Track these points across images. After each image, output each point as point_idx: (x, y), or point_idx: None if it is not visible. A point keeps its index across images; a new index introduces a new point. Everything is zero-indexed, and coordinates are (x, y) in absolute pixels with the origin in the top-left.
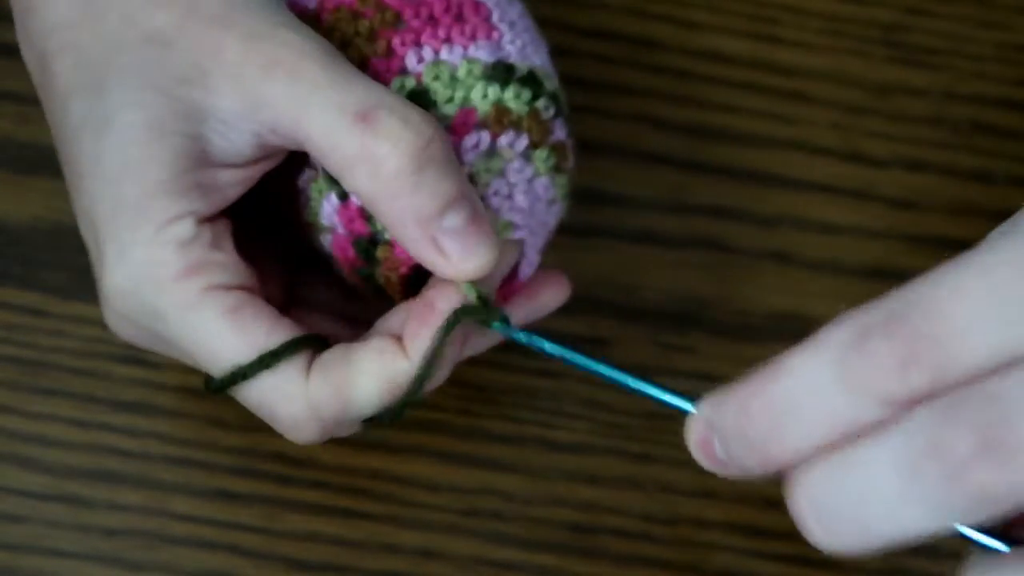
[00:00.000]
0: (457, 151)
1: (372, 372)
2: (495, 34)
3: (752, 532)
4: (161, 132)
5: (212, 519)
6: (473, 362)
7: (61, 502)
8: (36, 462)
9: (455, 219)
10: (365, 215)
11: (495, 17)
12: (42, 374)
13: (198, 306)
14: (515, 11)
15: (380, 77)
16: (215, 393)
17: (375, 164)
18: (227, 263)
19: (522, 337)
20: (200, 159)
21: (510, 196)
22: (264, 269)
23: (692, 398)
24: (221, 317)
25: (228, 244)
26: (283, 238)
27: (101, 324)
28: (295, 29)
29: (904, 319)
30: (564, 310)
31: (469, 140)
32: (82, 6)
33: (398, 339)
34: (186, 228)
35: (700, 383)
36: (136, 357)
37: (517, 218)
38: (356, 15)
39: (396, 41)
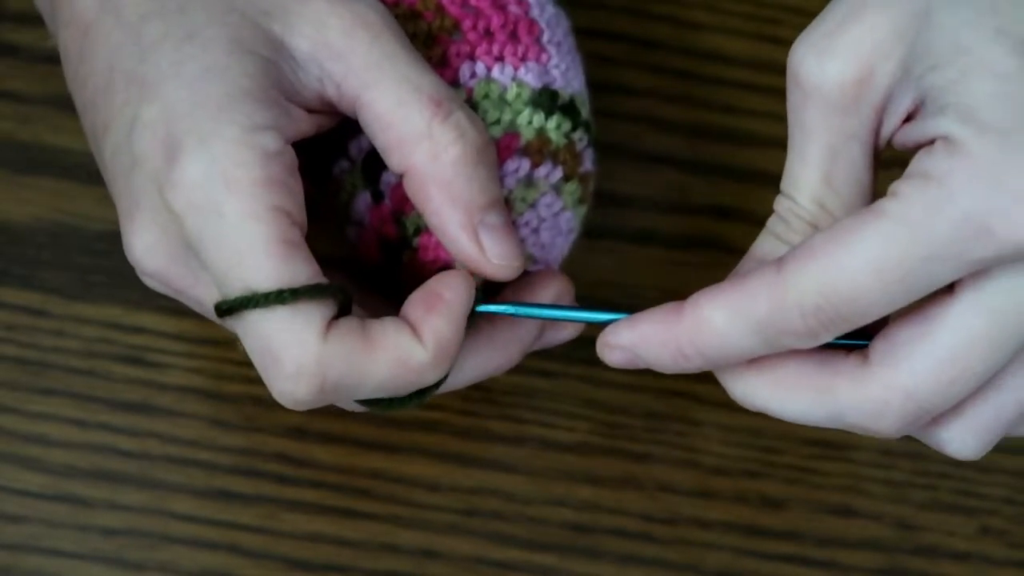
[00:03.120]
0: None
1: (389, 349)
2: (544, 56)
3: (752, 532)
4: (245, 48)
5: (212, 519)
6: None
7: (61, 502)
8: (36, 462)
9: (496, 218)
10: (396, 218)
11: (545, 38)
12: (42, 374)
13: (261, 220)
14: (562, 30)
15: None
16: (225, 315)
17: (439, 147)
18: (298, 195)
19: (507, 309)
20: (278, 83)
21: (537, 231)
22: None
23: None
24: (276, 241)
25: (298, 182)
26: None
27: (101, 324)
28: (379, 7)
29: (819, 308)
30: None
31: (511, 165)
32: None
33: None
34: (273, 140)
35: (700, 382)
36: (136, 357)
37: (538, 253)
38: (416, 15)
39: (452, 51)
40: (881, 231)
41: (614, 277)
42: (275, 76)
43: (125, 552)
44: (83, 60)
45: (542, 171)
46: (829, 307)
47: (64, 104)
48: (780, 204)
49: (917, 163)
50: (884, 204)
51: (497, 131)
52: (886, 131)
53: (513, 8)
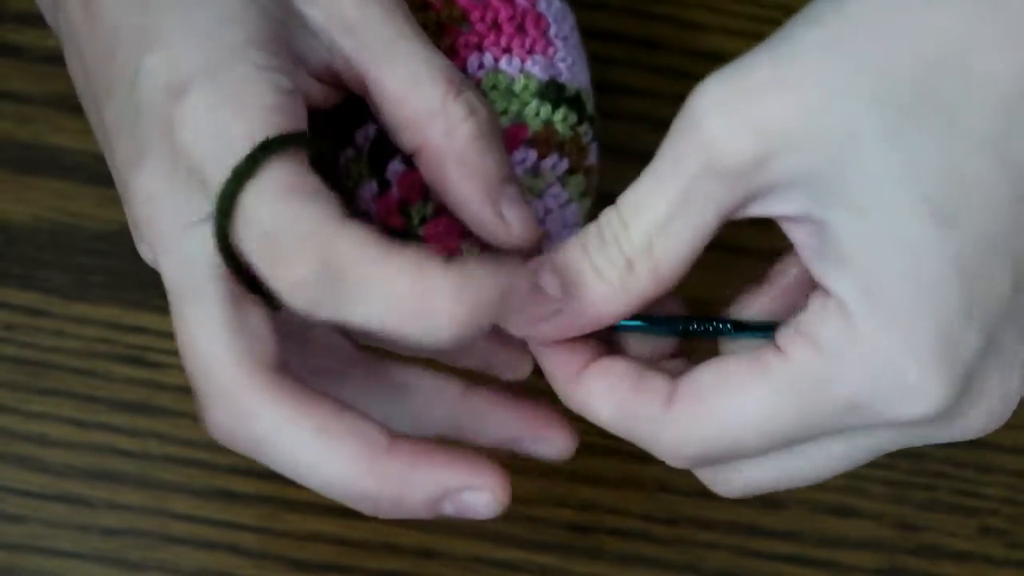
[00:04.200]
0: None
1: (409, 263)
2: (551, 50)
3: (752, 532)
4: (259, 5)
5: (212, 519)
6: None
7: (61, 502)
8: (36, 462)
9: (514, 191)
10: (402, 208)
11: (552, 31)
12: (42, 374)
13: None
14: (568, 24)
15: None
16: (224, 205)
17: (453, 124)
18: (307, 147)
19: None
20: (288, 44)
21: (543, 221)
22: None
23: None
24: (288, 174)
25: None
26: None
27: (101, 324)
28: None
29: (695, 456)
30: None
31: (517, 155)
32: None
33: None
34: (285, 80)
35: None
36: (136, 357)
37: (545, 245)
38: (425, 5)
39: (460, 41)
40: (766, 395)
41: None
42: (286, 37)
43: (125, 552)
44: (86, 31)
45: (548, 162)
46: (705, 454)
47: (64, 104)
48: (608, 222)
49: (809, 323)
50: (772, 363)
51: (504, 121)
52: (754, 210)
53: (521, 1)
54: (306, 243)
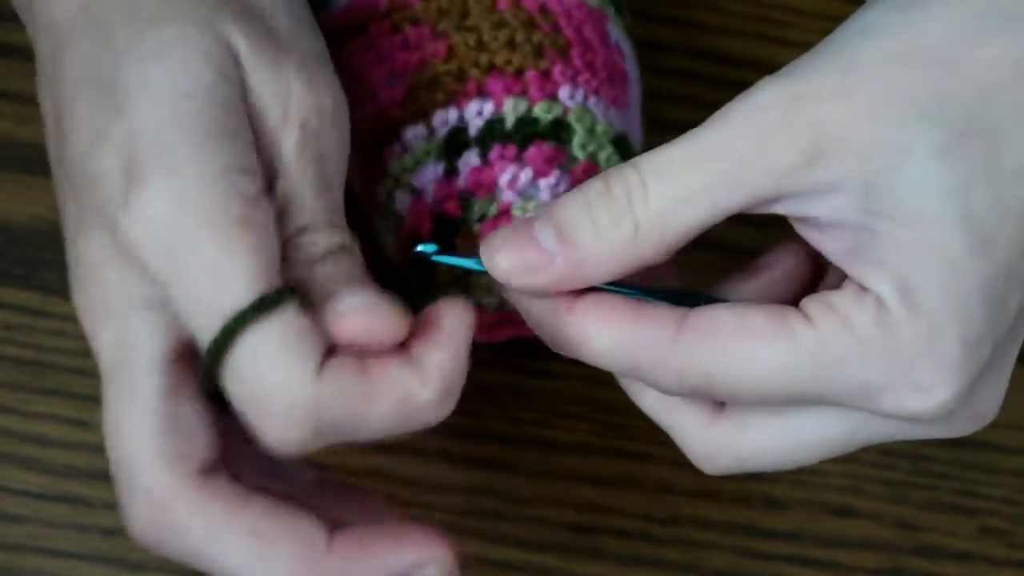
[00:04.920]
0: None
1: (390, 390)
2: (627, 108)
3: (752, 532)
4: (220, 74)
5: None
6: (474, 362)
7: (61, 502)
8: (36, 462)
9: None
10: (462, 198)
11: (630, 93)
12: (42, 374)
13: (239, 254)
14: (638, 91)
15: (528, 90)
16: (216, 356)
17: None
18: (277, 251)
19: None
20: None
21: None
22: None
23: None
24: (258, 271)
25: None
26: None
27: None
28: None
29: (698, 386)
30: None
31: None
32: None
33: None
34: (250, 184)
35: None
36: None
37: None
38: (532, 24)
39: (557, 68)
40: (785, 354)
41: None
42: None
43: (125, 552)
44: (55, 71)
45: None
46: (706, 387)
47: None
48: (624, 178)
49: (843, 303)
50: (798, 327)
51: (582, 154)
52: (776, 207)
53: (615, 54)
54: (293, 412)
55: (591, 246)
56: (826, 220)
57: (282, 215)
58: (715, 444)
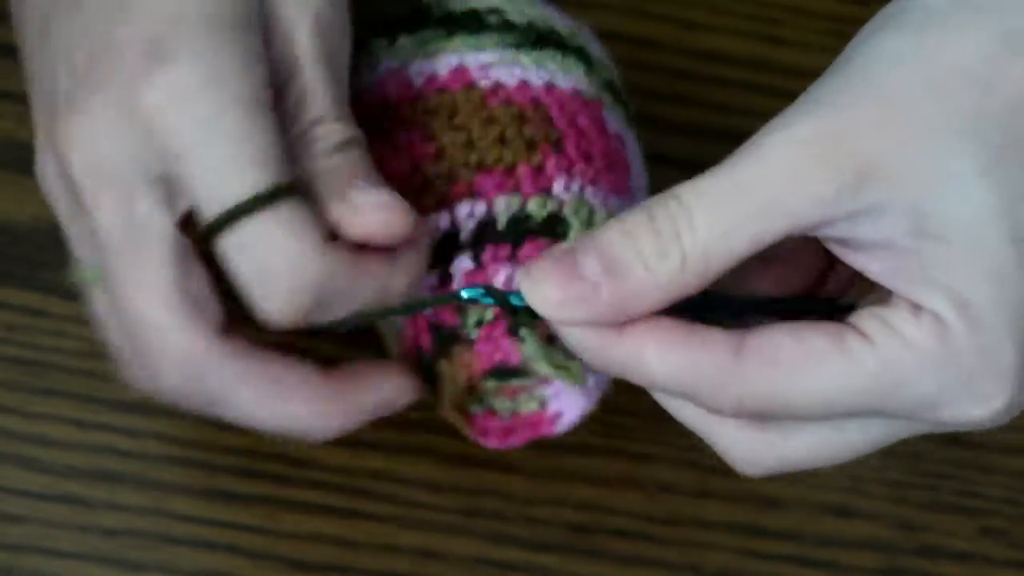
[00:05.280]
0: None
1: (374, 275)
2: (628, 195)
3: (752, 532)
4: None
5: (212, 519)
6: None
7: (61, 502)
8: (36, 462)
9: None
10: (459, 306)
11: (632, 179)
12: (42, 374)
13: (257, 128)
14: (642, 180)
15: (524, 187)
16: (211, 233)
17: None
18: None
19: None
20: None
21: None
22: None
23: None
24: (272, 149)
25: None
26: None
27: None
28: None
29: (758, 410)
30: None
31: None
32: None
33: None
34: (266, 71)
35: None
36: None
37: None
38: (523, 119)
39: (551, 161)
40: (845, 373)
41: None
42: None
43: (125, 552)
44: None
45: None
46: (767, 409)
47: None
48: (668, 211)
49: (900, 320)
50: (857, 345)
51: None
52: (828, 232)
53: (614, 142)
54: (300, 284)
55: (639, 278)
56: (871, 242)
57: (296, 108)
58: (759, 450)
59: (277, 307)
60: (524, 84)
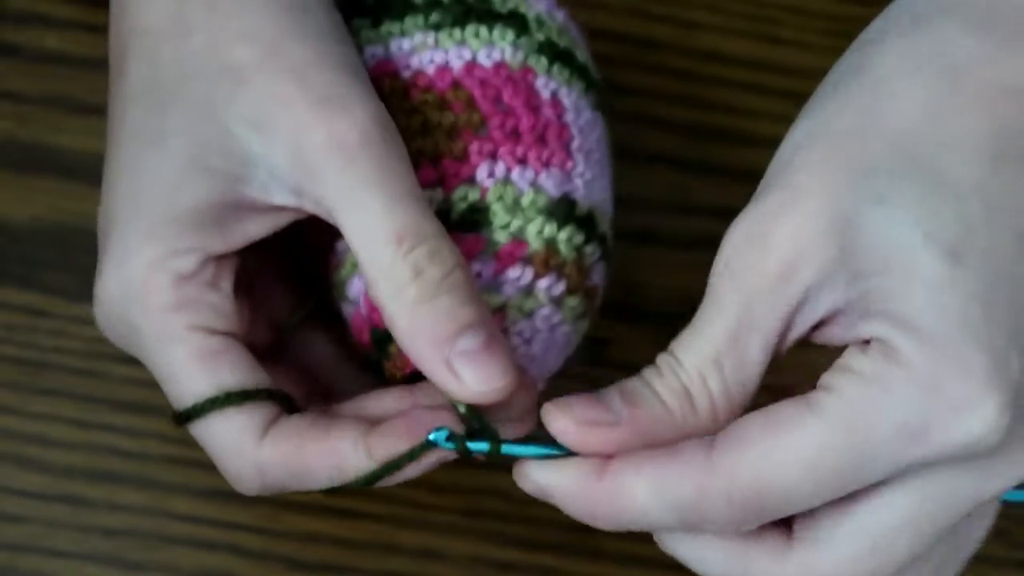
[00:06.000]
0: (497, 280)
1: (326, 457)
2: (569, 164)
3: None
4: (205, 166)
5: (212, 519)
6: None
7: (61, 502)
8: (36, 462)
9: (470, 343)
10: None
11: (575, 145)
12: (42, 374)
13: (177, 341)
14: (594, 136)
15: (448, 179)
16: (177, 425)
17: (398, 286)
18: (220, 305)
19: (512, 450)
20: (233, 201)
21: (529, 341)
22: (264, 298)
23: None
24: (195, 359)
25: (227, 284)
26: (300, 257)
27: None
28: (364, 102)
29: (748, 501)
30: None
31: (512, 272)
32: (173, 18)
33: (368, 424)
34: (190, 263)
35: None
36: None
37: (528, 365)
38: (444, 105)
39: (474, 147)
40: (817, 429)
41: (614, 276)
42: (233, 195)
43: (125, 552)
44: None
45: (544, 283)
46: (758, 499)
47: (64, 104)
48: (663, 359)
49: (851, 359)
50: (820, 398)
51: (504, 236)
52: (795, 334)
53: (546, 111)
54: (241, 475)
55: (654, 410)
56: (828, 316)
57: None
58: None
59: (235, 486)
60: (444, 68)
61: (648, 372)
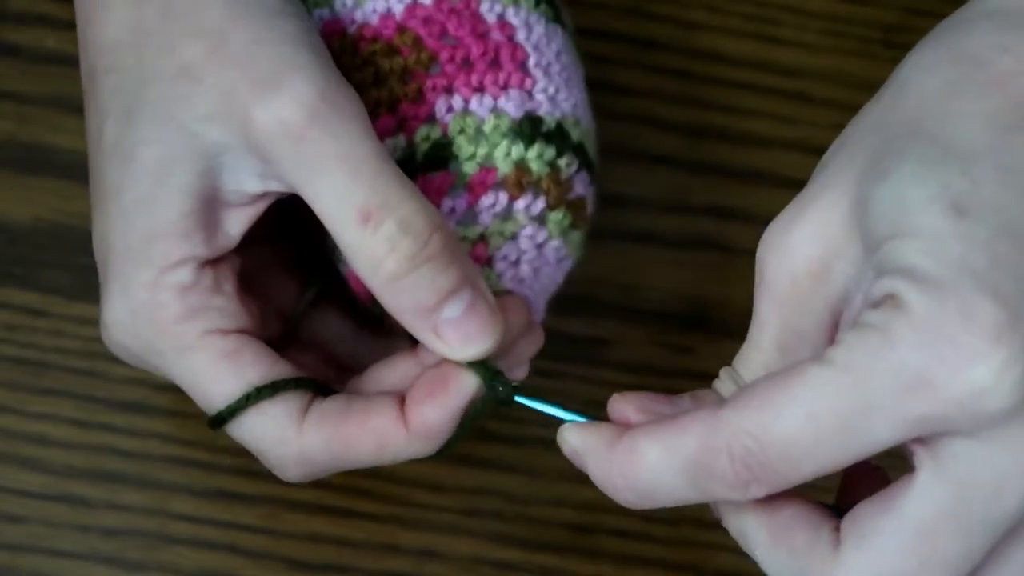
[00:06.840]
0: (472, 210)
1: (367, 434)
2: (528, 82)
3: None
4: (173, 170)
5: (212, 519)
6: None
7: (61, 502)
8: (36, 462)
9: (455, 309)
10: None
11: (531, 62)
12: (42, 374)
13: (196, 349)
14: (553, 50)
15: (408, 123)
16: (214, 429)
17: (374, 261)
18: (226, 307)
19: (536, 405)
20: (209, 199)
21: (516, 263)
22: (272, 292)
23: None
24: (218, 360)
25: (229, 286)
26: (303, 242)
27: None
28: (310, 73)
29: (749, 452)
30: (564, 310)
31: (486, 200)
32: (132, 29)
33: (400, 400)
34: (187, 273)
35: (700, 383)
36: None
37: (519, 287)
38: (392, 51)
39: (428, 85)
40: (820, 377)
41: (614, 277)
42: (207, 192)
43: (125, 552)
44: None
45: (521, 203)
46: (759, 452)
47: (64, 104)
48: (725, 371)
49: (863, 317)
50: (828, 352)
51: (472, 166)
52: (847, 323)
53: (495, 35)
54: (286, 463)
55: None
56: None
57: None
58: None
59: (282, 477)
60: (387, 16)
61: (715, 382)
